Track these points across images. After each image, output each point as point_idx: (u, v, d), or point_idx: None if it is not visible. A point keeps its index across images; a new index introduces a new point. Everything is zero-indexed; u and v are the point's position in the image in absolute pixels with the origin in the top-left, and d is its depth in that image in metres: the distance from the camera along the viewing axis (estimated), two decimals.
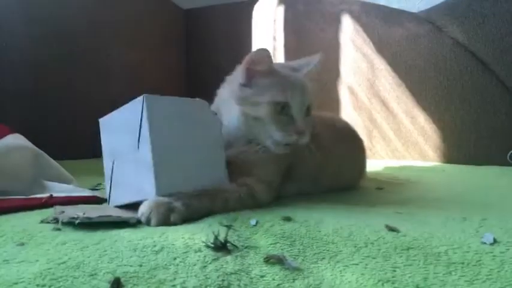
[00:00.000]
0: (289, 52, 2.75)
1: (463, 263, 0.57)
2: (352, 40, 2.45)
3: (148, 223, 0.72)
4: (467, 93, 2.08)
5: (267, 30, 2.89)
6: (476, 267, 0.55)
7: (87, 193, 0.95)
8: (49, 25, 2.17)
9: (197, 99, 0.90)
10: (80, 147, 1.90)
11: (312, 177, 1.06)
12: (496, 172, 1.72)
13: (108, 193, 0.90)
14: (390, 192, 1.15)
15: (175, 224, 0.72)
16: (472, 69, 2.08)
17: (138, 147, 0.81)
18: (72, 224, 0.70)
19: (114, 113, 0.90)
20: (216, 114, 0.92)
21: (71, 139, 2.04)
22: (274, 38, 2.85)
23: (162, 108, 0.82)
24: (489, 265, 0.56)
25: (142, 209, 0.73)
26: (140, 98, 0.80)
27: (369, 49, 2.38)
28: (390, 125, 2.28)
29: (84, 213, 0.71)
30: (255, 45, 2.95)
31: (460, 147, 2.10)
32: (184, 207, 0.75)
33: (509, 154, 1.93)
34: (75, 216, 0.70)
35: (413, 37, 2.23)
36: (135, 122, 0.81)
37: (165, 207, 0.73)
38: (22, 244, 0.61)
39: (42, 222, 0.74)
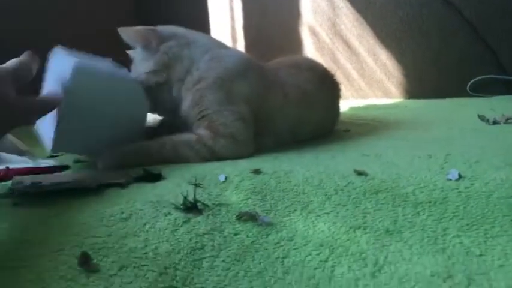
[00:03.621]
0: None
1: (430, 202, 0.58)
2: None
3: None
4: (427, 27, 2.08)
5: None
6: (443, 205, 0.57)
7: (44, 164, 0.90)
8: None
9: (134, 80, 0.93)
10: None
11: (291, 128, 1.03)
12: (456, 104, 1.77)
13: None
14: (357, 133, 1.16)
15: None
16: (431, 2, 2.06)
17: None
18: (30, 195, 0.67)
19: (62, 52, 0.88)
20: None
21: None
22: None
23: (89, 81, 0.83)
24: (455, 202, 0.57)
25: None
26: (70, 62, 0.80)
27: None
28: (353, 65, 2.27)
29: (41, 183, 0.68)
30: None
31: (422, 82, 2.13)
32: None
33: (469, 85, 1.98)
34: (28, 184, 0.67)
35: None
36: (63, 77, 0.80)
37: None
38: None
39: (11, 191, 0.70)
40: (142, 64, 1.00)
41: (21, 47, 0.69)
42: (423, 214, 0.55)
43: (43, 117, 0.87)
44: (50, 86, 0.88)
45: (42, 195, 0.66)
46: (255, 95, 0.97)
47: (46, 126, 0.88)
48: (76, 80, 0.80)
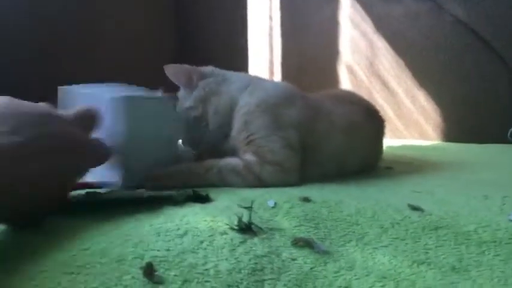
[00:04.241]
0: (285, 32, 2.71)
1: (495, 242, 0.56)
2: (350, 18, 2.41)
3: None
4: (467, 71, 2.07)
5: (263, 9, 2.84)
6: (510, 246, 0.55)
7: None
8: (32, 10, 2.10)
9: (165, 96, 0.96)
10: None
11: (338, 159, 1.02)
12: (498, 150, 1.73)
13: None
14: (400, 171, 1.14)
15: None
16: (473, 46, 2.06)
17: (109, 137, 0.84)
18: (88, 209, 0.68)
19: (79, 90, 0.92)
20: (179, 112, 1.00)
21: None
22: (270, 17, 2.81)
23: (139, 108, 0.87)
24: None
25: None
26: (120, 97, 0.84)
27: (368, 27, 2.34)
28: (390, 105, 2.26)
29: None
30: (251, 25, 2.89)
31: (460, 126, 2.10)
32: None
33: (509, 132, 1.93)
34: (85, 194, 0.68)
35: (413, 15, 2.20)
36: (109, 113, 0.82)
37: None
38: (34, 232, 0.59)
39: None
40: (183, 102, 1.04)
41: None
42: (489, 254, 0.53)
43: None
44: None
45: (95, 206, 0.67)
46: (302, 120, 0.97)
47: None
48: (128, 110, 0.83)
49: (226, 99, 1.01)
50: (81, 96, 0.91)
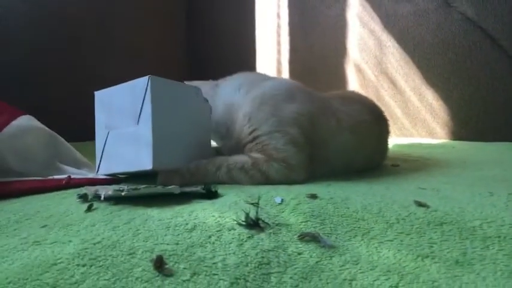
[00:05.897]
0: (293, 30, 2.71)
1: (499, 237, 0.56)
2: (358, 16, 2.41)
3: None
4: (475, 69, 2.06)
5: (271, 7, 2.85)
6: None
7: (102, 176, 0.94)
8: (48, 4, 2.13)
9: (193, 85, 1.01)
10: (78, 128, 1.72)
11: (345, 157, 1.03)
12: (505, 147, 1.72)
13: (98, 163, 0.95)
14: (407, 169, 1.15)
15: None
16: (481, 44, 2.05)
17: (138, 122, 0.87)
18: (123, 199, 0.71)
19: (113, 88, 0.95)
20: (207, 101, 1.01)
21: (71, 120, 1.97)
22: (278, 15, 2.81)
23: (164, 90, 0.90)
24: None
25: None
26: (145, 78, 0.87)
27: (376, 25, 2.34)
28: (398, 103, 2.26)
29: (136, 188, 0.72)
30: (259, 23, 2.90)
31: (468, 124, 2.09)
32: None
33: None
34: (121, 189, 0.70)
35: (422, 12, 2.19)
36: (137, 99, 0.88)
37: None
38: (47, 225, 0.61)
39: (80, 198, 0.75)
40: None
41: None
42: (493, 248, 0.54)
43: (108, 156, 0.93)
44: (114, 120, 0.93)
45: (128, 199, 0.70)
46: (305, 115, 0.98)
47: (119, 155, 0.91)
48: (154, 91, 0.86)
49: (216, 103, 1.06)
50: (118, 91, 0.94)
